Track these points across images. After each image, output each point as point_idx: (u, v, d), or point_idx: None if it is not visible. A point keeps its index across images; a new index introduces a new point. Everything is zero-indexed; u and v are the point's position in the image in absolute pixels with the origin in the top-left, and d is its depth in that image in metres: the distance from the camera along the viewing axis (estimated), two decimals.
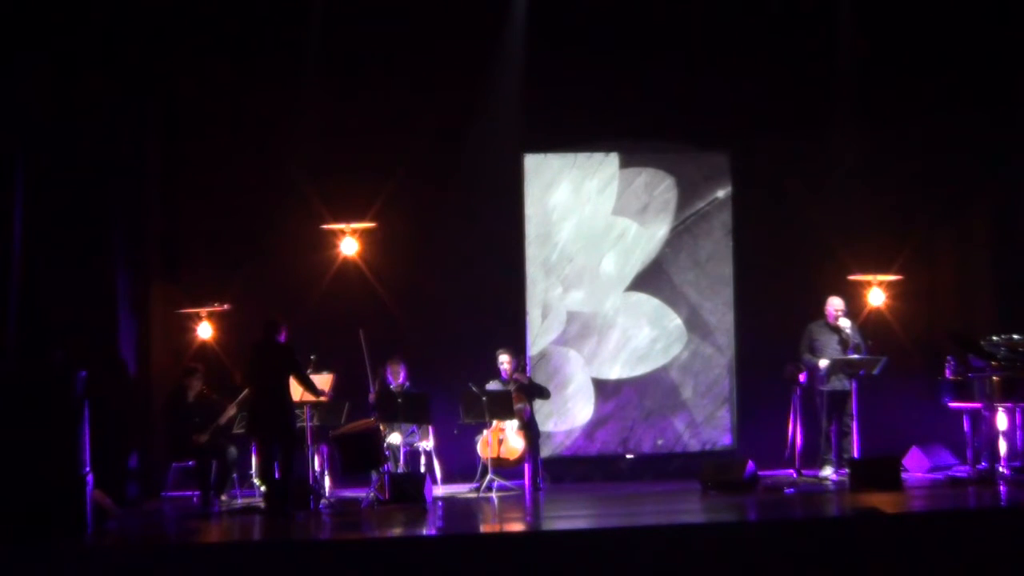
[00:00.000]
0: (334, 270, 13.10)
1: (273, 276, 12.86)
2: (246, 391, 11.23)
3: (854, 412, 12.08)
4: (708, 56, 13.16)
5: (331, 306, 12.80)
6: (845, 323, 12.37)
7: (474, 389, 12.07)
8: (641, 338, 13.69)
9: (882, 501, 10.19)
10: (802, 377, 12.04)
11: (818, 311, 12.50)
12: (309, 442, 11.25)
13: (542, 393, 12.60)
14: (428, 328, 13.03)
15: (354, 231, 13.02)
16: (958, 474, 12.18)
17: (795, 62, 13.36)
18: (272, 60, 12.95)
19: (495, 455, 12.10)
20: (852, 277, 13.32)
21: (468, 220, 13.21)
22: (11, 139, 11.22)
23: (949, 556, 8.89)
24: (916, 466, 12.73)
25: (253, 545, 9.62)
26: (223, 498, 11.74)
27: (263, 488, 11.20)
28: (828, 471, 12.22)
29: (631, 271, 13.73)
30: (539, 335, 13.61)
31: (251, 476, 12.03)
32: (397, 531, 10.03)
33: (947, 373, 12.18)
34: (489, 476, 11.96)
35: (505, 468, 12.17)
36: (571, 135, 13.52)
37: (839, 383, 12.22)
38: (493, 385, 12.32)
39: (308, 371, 11.22)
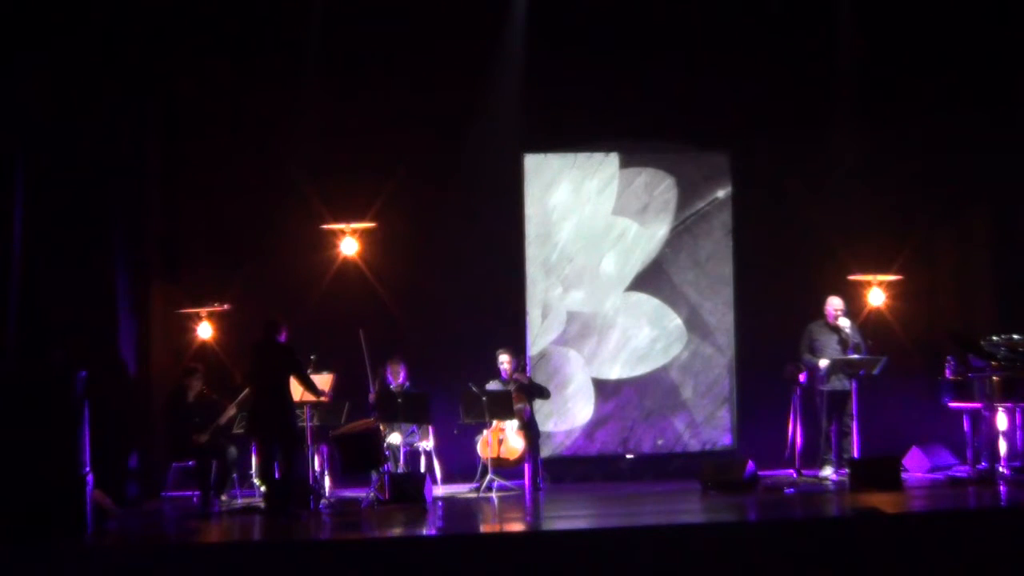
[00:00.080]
0: (334, 270, 13.10)
1: (273, 276, 12.85)
2: (246, 391, 11.23)
3: (854, 412, 12.08)
4: (708, 56, 13.16)
5: (331, 306, 12.80)
6: (844, 323, 12.37)
7: (474, 389, 12.08)
8: (641, 338, 13.70)
9: (882, 501, 10.19)
10: (802, 377, 12.04)
11: (818, 311, 12.50)
12: (309, 442, 11.24)
13: (542, 393, 12.60)
14: (428, 328, 13.03)
15: (354, 231, 13.02)
16: (958, 474, 12.18)
17: (795, 62, 13.36)
18: (272, 60, 12.95)
19: (495, 455, 12.10)
20: (852, 277, 13.32)
21: (468, 220, 13.21)
22: (11, 139, 11.22)
23: (949, 556, 8.89)
24: (916, 466, 12.73)
25: (253, 545, 9.62)
26: (223, 498, 11.74)
27: (263, 488, 11.20)
28: (828, 471, 12.22)
29: (631, 271, 13.73)
30: (539, 335, 13.61)
31: (251, 476, 12.03)
32: (397, 531, 10.03)
33: (947, 373, 12.18)
34: (489, 476, 11.96)
35: (505, 468, 12.17)
36: (571, 135, 13.52)
37: (839, 383, 12.22)
38: (493, 385, 12.33)
39: (308, 371, 11.22)
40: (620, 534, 9.34)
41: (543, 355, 13.60)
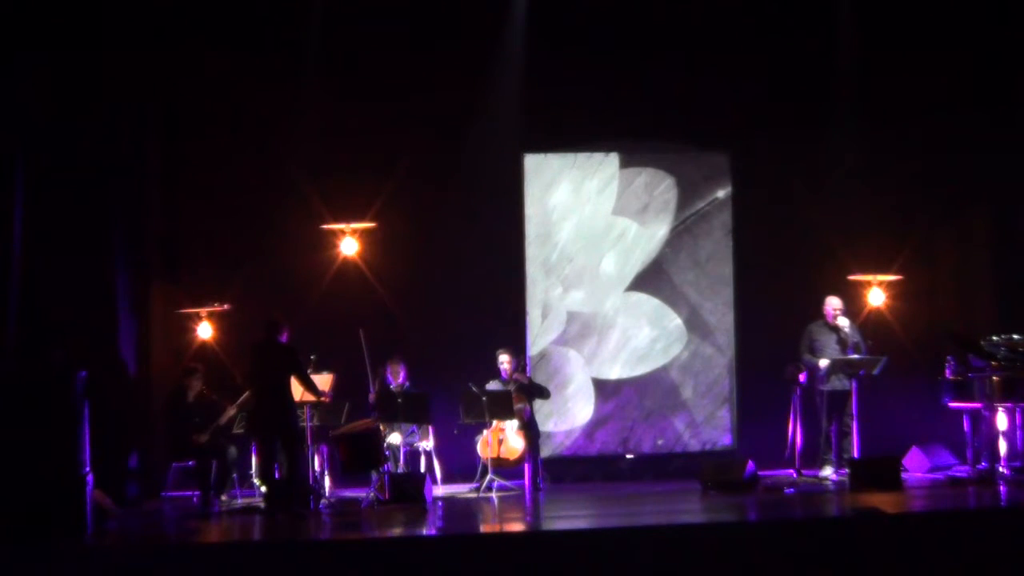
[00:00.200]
0: (334, 270, 13.09)
1: (273, 276, 12.85)
2: (247, 393, 11.24)
3: (854, 412, 12.08)
4: (708, 56, 13.15)
5: (331, 306, 12.80)
6: (843, 322, 12.37)
7: (474, 389, 12.08)
8: (641, 338, 13.70)
9: (882, 501, 10.19)
10: (802, 377, 12.04)
11: (818, 311, 12.50)
12: (309, 442, 11.24)
13: (542, 393, 12.60)
14: (428, 328, 13.03)
15: (354, 231, 13.02)
16: (958, 474, 12.17)
17: (795, 62, 13.35)
18: (272, 60, 12.95)
19: (495, 455, 12.10)
20: (852, 277, 13.32)
21: (468, 220, 13.21)
22: (11, 139, 11.22)
23: (949, 556, 8.88)
24: (916, 466, 12.73)
25: (253, 545, 9.62)
26: (223, 498, 11.74)
27: (263, 488, 11.20)
28: (828, 471, 12.22)
29: (631, 271, 13.73)
30: (539, 335, 13.61)
31: (251, 476, 12.03)
32: (397, 531, 10.03)
33: (947, 373, 12.17)
34: (489, 476, 11.96)
35: (505, 468, 12.16)
36: (571, 135, 13.52)
37: (839, 383, 12.22)
38: (493, 385, 12.33)
39: (308, 371, 11.21)
40: (620, 534, 9.34)
41: (543, 355, 13.60)
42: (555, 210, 13.70)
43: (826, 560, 8.86)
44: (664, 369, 13.70)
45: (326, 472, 11.95)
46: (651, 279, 13.73)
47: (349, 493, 11.91)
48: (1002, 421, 11.74)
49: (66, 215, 11.53)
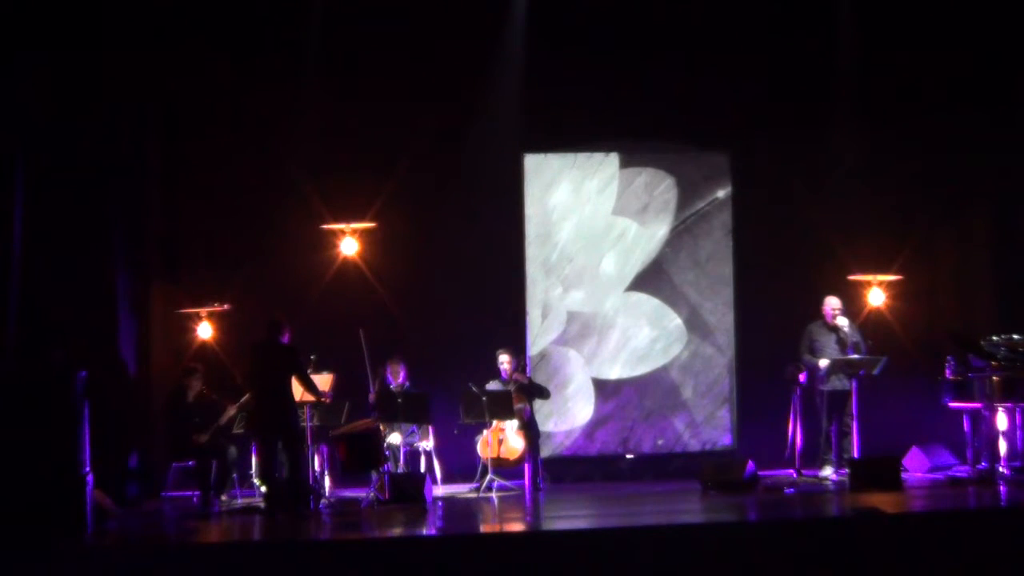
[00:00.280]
0: (334, 270, 13.09)
1: (273, 276, 12.85)
2: (248, 394, 11.24)
3: (854, 412, 12.08)
4: (708, 56, 13.15)
5: (331, 306, 12.80)
6: (843, 322, 12.37)
7: (474, 389, 12.08)
8: (641, 338, 13.70)
9: (882, 501, 10.19)
10: (802, 377, 12.04)
11: (818, 311, 12.50)
12: (309, 442, 11.24)
13: (542, 393, 12.60)
14: (428, 328, 13.02)
15: (354, 231, 13.02)
16: (958, 474, 12.17)
17: (795, 62, 13.35)
18: (272, 60, 12.95)
19: (495, 455, 12.10)
20: (852, 277, 13.33)
21: (468, 220, 13.21)
22: (11, 139, 11.22)
23: (949, 556, 8.88)
24: (916, 466, 12.73)
25: (253, 545, 9.62)
26: (223, 498, 11.74)
27: (263, 488, 11.20)
28: (828, 471, 12.22)
29: (631, 271, 13.73)
30: (539, 335, 13.61)
31: (251, 476, 12.03)
32: (397, 531, 10.02)
33: (947, 373, 12.17)
34: (489, 476, 11.95)
35: (505, 468, 12.16)
36: (571, 135, 13.52)
37: (839, 383, 12.22)
38: (493, 385, 12.33)
39: (308, 371, 11.21)
40: (620, 534, 9.34)
41: (543, 355, 13.60)
42: (555, 210, 13.70)
43: (826, 560, 8.86)
44: (664, 369, 13.70)
45: (326, 472, 11.95)
46: (651, 279, 13.74)
47: (349, 493, 11.91)
48: (1002, 421, 11.74)
49: (66, 215, 11.53)
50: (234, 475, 11.98)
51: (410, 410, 11.90)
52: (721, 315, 13.74)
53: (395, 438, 12.16)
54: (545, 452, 12.89)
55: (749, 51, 13.16)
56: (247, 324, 12.22)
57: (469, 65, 13.13)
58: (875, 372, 12.05)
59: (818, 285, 12.85)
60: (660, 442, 13.62)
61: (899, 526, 9.33)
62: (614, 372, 13.68)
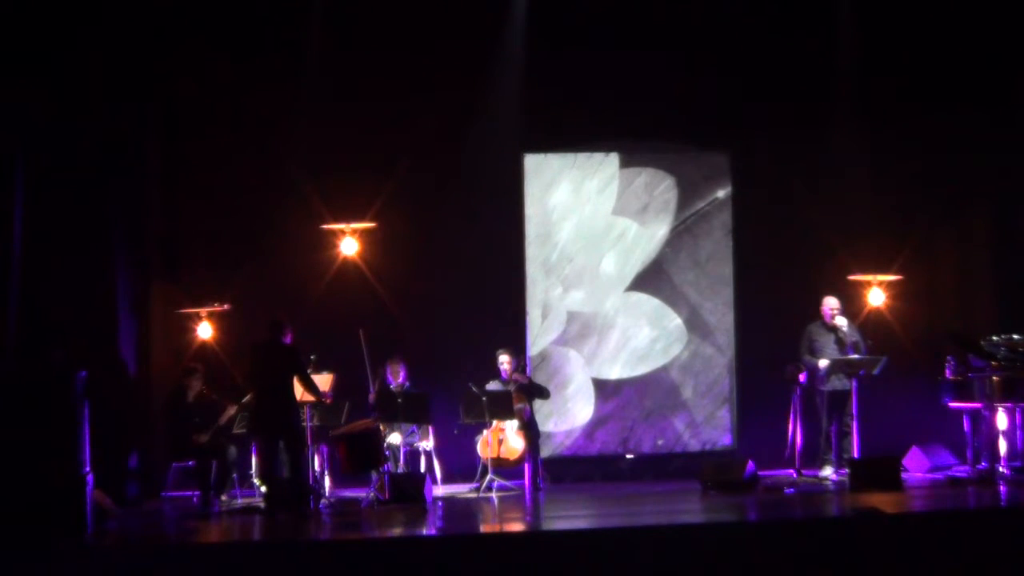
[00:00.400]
0: (334, 270, 13.09)
1: (273, 276, 12.85)
2: (249, 395, 11.24)
3: (854, 412, 12.08)
4: (708, 56, 13.16)
5: (331, 306, 12.80)
6: (841, 321, 12.37)
7: (474, 389, 12.08)
8: (641, 338, 13.70)
9: (882, 501, 10.19)
10: (802, 377, 12.04)
11: (818, 311, 12.50)
12: (309, 442, 11.24)
13: (542, 393, 12.61)
14: (428, 328, 13.03)
15: (354, 231, 13.02)
16: (958, 474, 12.17)
17: (795, 62, 13.35)
18: (272, 60, 12.95)
19: (495, 455, 12.10)
20: (852, 277, 13.32)
21: (468, 220, 13.21)
22: (11, 139, 11.22)
23: (949, 556, 8.88)
24: (916, 466, 12.73)
25: (253, 545, 9.62)
26: (223, 498, 11.74)
27: (263, 488, 11.20)
28: (828, 471, 12.22)
29: (631, 271, 13.73)
30: (539, 335, 13.61)
31: (251, 476, 12.03)
32: (397, 531, 10.03)
33: (947, 373, 12.17)
34: (489, 476, 11.96)
35: (505, 468, 12.16)
36: (571, 135, 13.52)
37: (839, 383, 12.22)
38: (493, 385, 12.33)
39: (309, 371, 11.21)
40: (620, 534, 9.34)
41: (543, 355, 13.60)
42: (555, 210, 13.70)
43: (826, 560, 8.86)
44: (664, 369, 13.70)
45: (326, 472, 11.95)
46: (651, 279, 13.74)
47: (349, 493, 11.91)
48: (1002, 421, 11.74)
49: (66, 215, 11.53)
50: (234, 475, 11.98)
51: (410, 410, 11.90)
52: (721, 315, 13.74)
53: (395, 438, 12.16)
54: (545, 452, 12.89)
55: (750, 51, 13.16)
56: (247, 324, 12.23)
57: (469, 65, 13.13)
58: (875, 372, 12.05)
59: (818, 285, 12.85)
60: (660, 442, 13.62)
61: (899, 526, 9.33)
62: (614, 372, 13.68)
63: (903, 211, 13.67)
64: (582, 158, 13.73)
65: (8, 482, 9.59)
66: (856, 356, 12.19)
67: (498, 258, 13.42)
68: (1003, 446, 11.72)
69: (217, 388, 11.91)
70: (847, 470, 11.78)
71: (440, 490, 12.13)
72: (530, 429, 12.30)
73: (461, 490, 12.20)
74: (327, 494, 11.57)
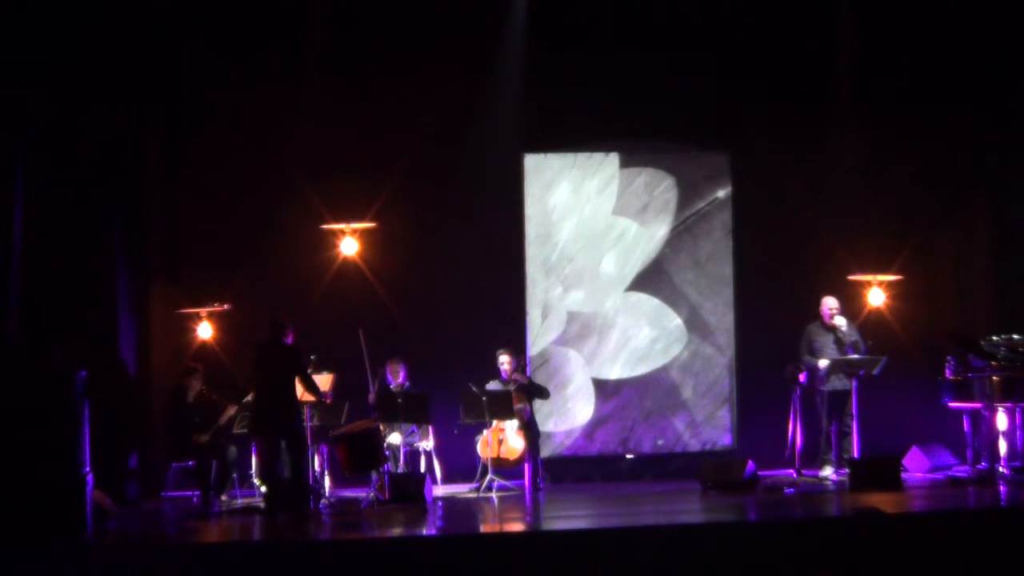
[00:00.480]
0: (334, 270, 13.10)
1: (273, 276, 12.86)
2: (250, 394, 11.24)
3: (854, 412, 12.07)
4: (708, 56, 13.14)
5: (331, 306, 12.80)
6: (840, 321, 12.37)
7: (474, 389, 12.08)
8: (641, 338, 13.70)
9: (882, 501, 10.19)
10: (802, 377, 12.03)
11: (818, 311, 12.49)
12: (309, 442, 11.24)
13: (542, 393, 12.61)
14: (428, 328, 13.03)
15: (354, 231, 13.02)
16: (958, 474, 12.17)
17: (795, 62, 13.35)
18: (272, 60, 12.96)
19: (495, 455, 12.10)
20: (852, 277, 13.33)
21: (468, 220, 13.21)
22: (11, 139, 11.22)
23: (949, 556, 8.88)
24: (916, 466, 12.73)
25: (253, 545, 9.62)
26: (223, 498, 11.74)
27: (263, 488, 11.20)
28: (828, 471, 12.22)
29: (631, 271, 13.73)
30: (539, 335, 13.61)
31: (251, 476, 12.04)
32: (397, 531, 10.03)
33: (947, 373, 12.17)
34: (489, 476, 11.96)
35: (505, 468, 12.17)
36: (571, 135, 13.52)
37: (839, 383, 12.22)
38: (493, 385, 12.33)
39: (309, 371, 11.21)
40: (620, 534, 9.34)
41: (543, 355, 13.60)
42: (555, 210, 13.70)
43: (826, 560, 8.87)
44: (664, 369, 13.70)
45: (326, 472, 11.95)
46: (651, 279, 13.74)
47: (349, 493, 11.92)
48: (1002, 421, 11.74)
49: (66, 215, 11.53)
50: (234, 475, 11.99)
51: (410, 410, 11.90)
52: (721, 315, 13.74)
53: (395, 438, 12.16)
54: (545, 452, 12.89)
55: (750, 51, 13.16)
56: (247, 324, 12.24)
57: (469, 65, 13.14)
58: (875, 372, 12.05)
59: (818, 285, 12.85)
60: (660, 442, 13.62)
61: (899, 526, 9.33)
62: (614, 372, 13.68)
63: (903, 211, 13.67)
64: (582, 158, 13.73)
65: (8, 482, 9.59)
66: (856, 356, 12.19)
67: (498, 258, 13.42)
68: (1003, 446, 11.71)
69: (217, 388, 11.91)
70: (847, 470, 11.78)
71: (440, 490, 12.13)
72: (530, 429, 12.30)
73: (461, 490, 12.20)
74: (327, 494, 11.57)
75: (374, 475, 11.65)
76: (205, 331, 12.83)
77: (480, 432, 12.25)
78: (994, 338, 11.93)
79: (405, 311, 13.05)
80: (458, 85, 13.12)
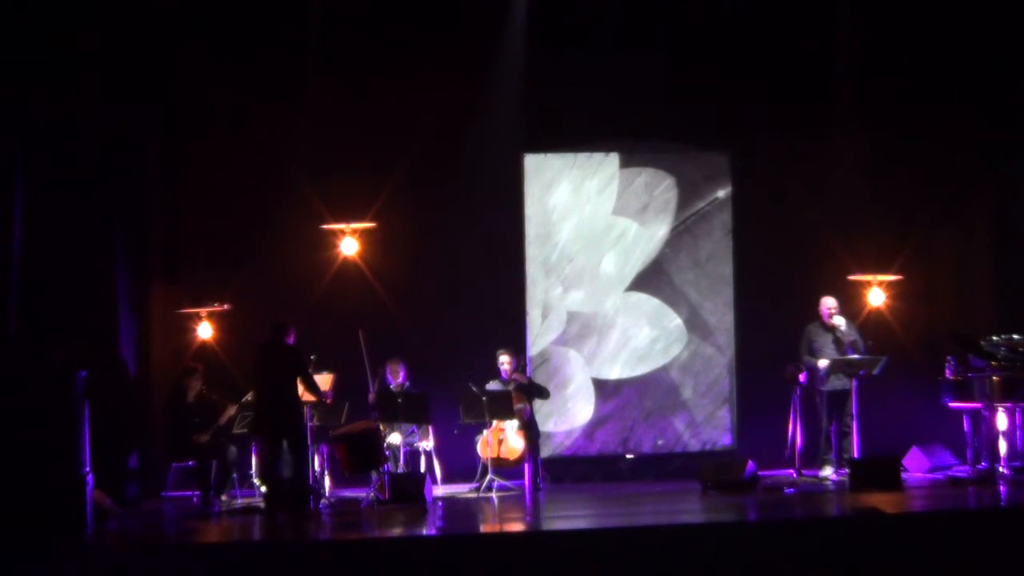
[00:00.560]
0: (334, 270, 13.10)
1: (273, 276, 12.86)
2: (250, 394, 11.23)
3: (854, 412, 12.08)
4: (708, 56, 13.14)
5: (331, 306, 12.80)
6: (840, 321, 12.38)
7: (474, 389, 12.07)
8: (641, 338, 13.70)
9: (882, 501, 10.20)
10: (802, 377, 12.03)
11: (817, 311, 12.49)
12: (309, 442, 11.24)
13: (542, 393, 12.61)
14: (428, 328, 13.03)
15: (354, 231, 13.02)
16: (958, 474, 12.17)
17: (795, 62, 13.35)
18: (272, 60, 12.95)
19: (495, 455, 12.10)
20: (852, 277, 13.33)
21: (468, 220, 13.21)
22: (11, 139, 11.22)
23: (949, 556, 8.89)
24: (916, 466, 12.73)
25: (253, 545, 9.62)
26: (223, 498, 11.74)
27: (263, 488, 11.20)
28: (828, 471, 12.22)
29: (631, 271, 13.73)
30: (539, 335, 13.61)
31: (251, 476, 12.04)
32: (397, 531, 10.03)
33: (947, 373, 12.17)
34: (489, 476, 11.96)
35: (505, 468, 12.17)
36: (571, 135, 13.52)
37: (839, 383, 12.22)
38: (493, 385, 12.33)
39: (310, 371, 11.21)
40: (620, 534, 9.34)
41: (543, 355, 13.60)
42: (555, 210, 13.70)
43: (826, 560, 8.87)
44: (664, 369, 13.70)
45: (326, 472, 11.95)
46: (651, 279, 13.74)
47: (349, 493, 11.92)
48: (1002, 421, 11.74)
49: (66, 215, 11.53)
50: (234, 475, 11.99)
51: (410, 410, 11.90)
52: (721, 315, 13.74)
53: (395, 438, 12.16)
54: (545, 452, 12.89)
55: (750, 51, 13.16)
56: (247, 324, 12.24)
57: (469, 65, 13.14)
58: (875, 372, 12.05)
59: (818, 285, 12.85)
60: (660, 442, 13.62)
61: (899, 526, 9.33)
62: (614, 372, 13.68)
63: (903, 211, 13.67)
64: (582, 158, 13.73)
65: (8, 482, 9.59)
66: (856, 356, 12.19)
67: (498, 258, 13.42)
68: (1003, 446, 11.72)
69: (217, 388, 11.92)
70: (847, 470, 11.78)
71: (440, 490, 12.13)
72: (530, 429, 12.30)
73: (461, 490, 12.20)
74: (327, 494, 11.57)
75: (374, 475, 11.65)
76: (205, 331, 12.83)
77: (480, 432, 12.25)
78: (994, 338, 11.93)
79: (405, 311, 13.05)
80: (458, 85, 13.12)
